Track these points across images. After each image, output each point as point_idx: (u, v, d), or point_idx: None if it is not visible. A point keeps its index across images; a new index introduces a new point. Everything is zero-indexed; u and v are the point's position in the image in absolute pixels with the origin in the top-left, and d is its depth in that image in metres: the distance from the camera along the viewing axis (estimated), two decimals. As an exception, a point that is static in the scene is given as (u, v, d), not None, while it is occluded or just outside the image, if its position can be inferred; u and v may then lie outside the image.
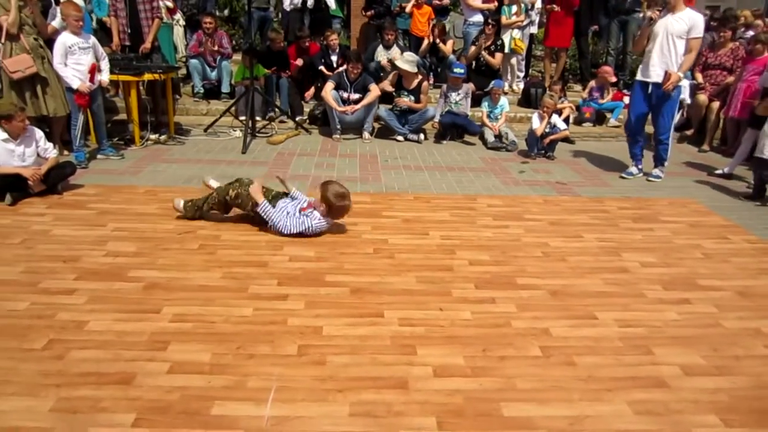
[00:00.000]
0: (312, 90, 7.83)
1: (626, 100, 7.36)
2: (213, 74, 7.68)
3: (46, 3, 5.58)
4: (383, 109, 7.02)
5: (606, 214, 4.59)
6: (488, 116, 7.09)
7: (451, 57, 8.12)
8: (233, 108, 7.06)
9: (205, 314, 2.87)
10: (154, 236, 3.81)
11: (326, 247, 3.73)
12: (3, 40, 5.01)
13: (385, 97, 7.17)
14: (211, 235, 3.85)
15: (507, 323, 2.91)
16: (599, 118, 7.96)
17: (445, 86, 7.09)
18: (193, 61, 7.54)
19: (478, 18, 8.33)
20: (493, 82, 7.27)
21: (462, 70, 6.94)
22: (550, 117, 6.39)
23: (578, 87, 8.94)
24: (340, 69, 7.15)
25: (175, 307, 2.92)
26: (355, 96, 6.88)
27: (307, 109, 7.66)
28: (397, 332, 2.78)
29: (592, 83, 8.03)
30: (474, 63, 7.88)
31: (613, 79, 8.07)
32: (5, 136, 4.38)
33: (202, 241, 3.75)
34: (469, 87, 7.10)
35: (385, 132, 7.16)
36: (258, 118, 7.17)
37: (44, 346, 2.56)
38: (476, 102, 7.32)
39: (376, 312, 2.95)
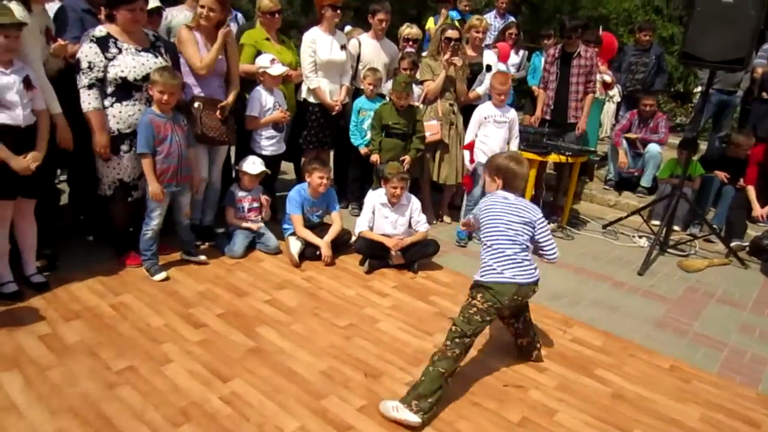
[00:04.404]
0: (770, 208, 5.72)
1: None
2: (637, 163, 6.43)
3: (476, 69, 5.39)
4: None
5: None
6: None
7: None
8: (647, 209, 5.68)
9: None
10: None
11: None
12: (420, 103, 4.98)
13: None
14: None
15: None
16: None
17: None
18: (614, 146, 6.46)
19: None
20: None
21: None
22: None
23: None
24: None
25: None
26: (840, 235, 4.60)
27: (752, 232, 5.60)
28: None
29: None
30: None
31: None
32: (384, 200, 4.24)
33: (530, 411, 2.69)
34: None
35: None
36: (676, 229, 5.60)
37: None
38: None
39: None
